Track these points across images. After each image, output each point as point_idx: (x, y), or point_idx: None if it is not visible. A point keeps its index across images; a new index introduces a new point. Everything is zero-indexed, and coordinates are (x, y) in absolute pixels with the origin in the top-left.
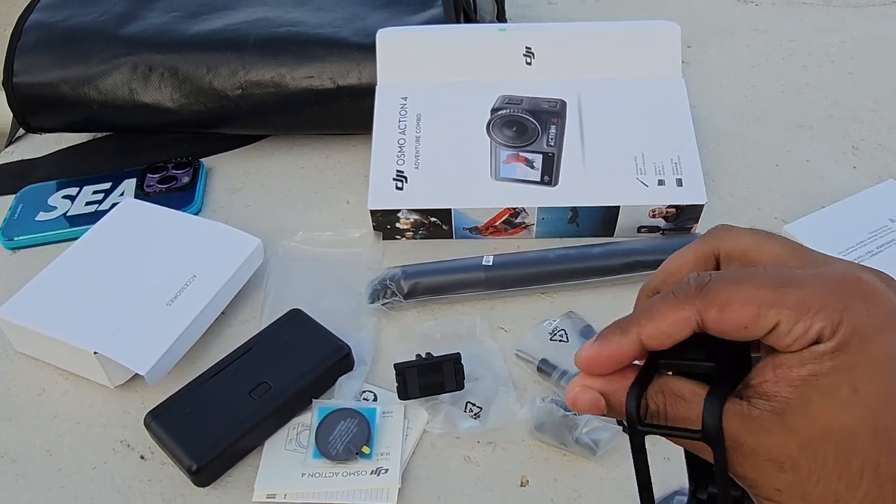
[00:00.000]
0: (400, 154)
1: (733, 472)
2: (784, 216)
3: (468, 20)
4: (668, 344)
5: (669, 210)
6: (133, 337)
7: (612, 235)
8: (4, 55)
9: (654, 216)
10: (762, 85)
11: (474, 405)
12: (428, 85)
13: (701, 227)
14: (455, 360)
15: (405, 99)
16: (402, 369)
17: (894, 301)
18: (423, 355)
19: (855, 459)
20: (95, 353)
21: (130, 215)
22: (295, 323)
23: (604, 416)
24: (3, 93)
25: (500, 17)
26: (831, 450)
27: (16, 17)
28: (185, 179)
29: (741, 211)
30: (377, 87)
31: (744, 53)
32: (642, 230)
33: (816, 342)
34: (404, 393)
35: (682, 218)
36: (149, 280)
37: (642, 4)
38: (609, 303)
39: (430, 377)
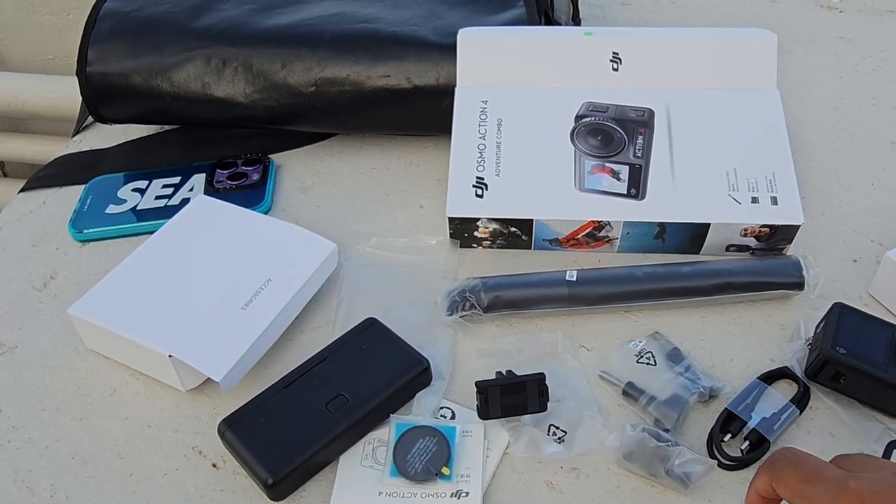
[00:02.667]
0: (480, 160)
1: None
2: (881, 239)
3: (548, 21)
4: (762, 491)
5: (763, 230)
6: (208, 341)
7: (698, 253)
8: (79, 44)
9: (745, 235)
10: (852, 97)
11: (558, 428)
12: (509, 88)
13: (794, 248)
14: (539, 380)
15: (485, 102)
16: (484, 388)
17: None
18: (504, 373)
19: None
20: (170, 356)
21: (203, 213)
22: (371, 333)
23: None
24: (72, 81)
25: (575, 18)
26: None
27: (90, 4)
28: (256, 177)
29: (835, 232)
30: (457, 90)
31: (831, 63)
32: (731, 249)
33: None
34: (485, 412)
35: (774, 238)
36: (223, 282)
37: (719, 7)
38: (696, 325)
39: (513, 397)
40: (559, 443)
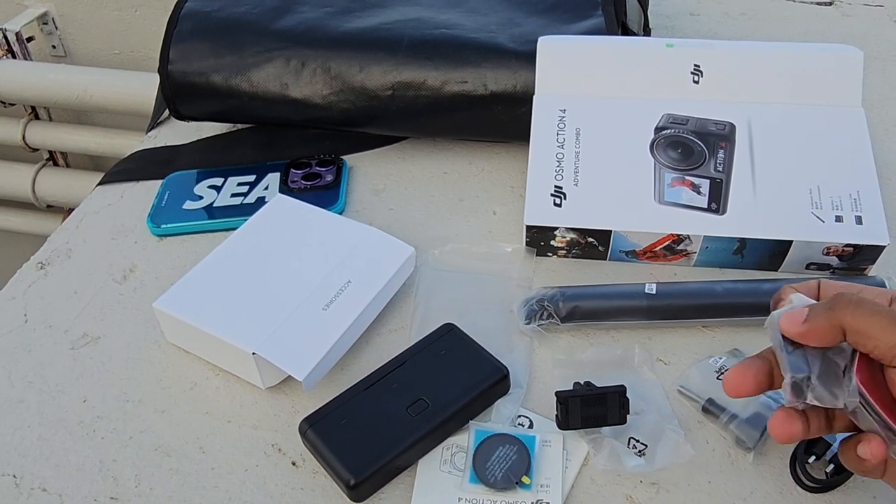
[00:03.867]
0: (558, 169)
1: None
2: None
3: (625, 31)
4: (821, 334)
5: (846, 249)
6: (290, 340)
7: (777, 270)
8: (161, 43)
9: (827, 254)
10: None
11: (639, 441)
12: (588, 98)
13: (876, 269)
14: (620, 392)
15: (564, 111)
16: (564, 398)
17: None
18: (583, 384)
19: None
20: (254, 353)
21: (282, 212)
22: (450, 338)
23: None
24: (137, 76)
25: (646, 28)
26: None
27: (158, 1)
28: (329, 178)
29: None
30: (535, 97)
31: None
32: (811, 267)
33: None
34: (565, 423)
35: (857, 258)
36: (304, 282)
37: (791, 21)
38: None
39: (594, 409)
40: (640, 456)
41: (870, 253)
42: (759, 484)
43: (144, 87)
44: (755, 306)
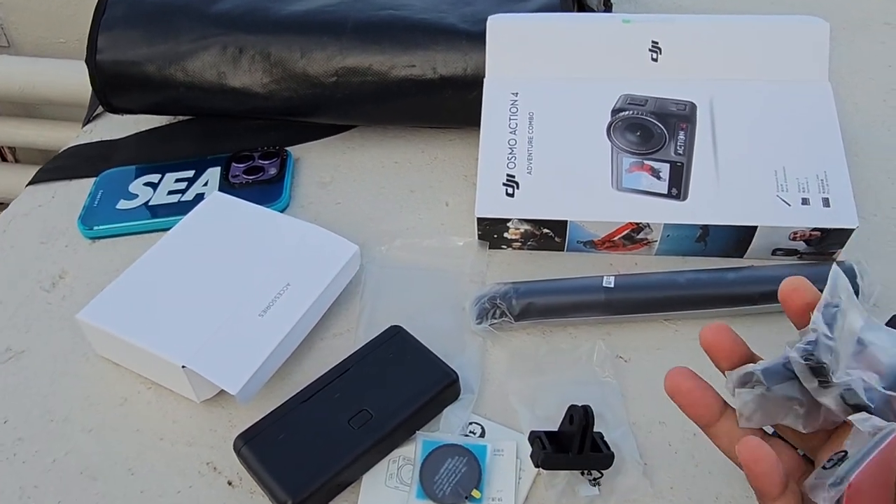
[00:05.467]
0: (511, 157)
1: None
2: None
3: (581, 8)
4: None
5: (813, 233)
6: (223, 351)
7: (742, 257)
8: (88, 31)
9: (794, 239)
10: None
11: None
12: (541, 79)
13: (845, 253)
14: (608, 458)
15: (516, 95)
16: (543, 461)
17: None
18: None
19: None
20: (183, 367)
21: (218, 211)
22: (396, 342)
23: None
24: (83, 68)
25: (607, 3)
26: None
27: None
28: (273, 171)
29: (889, 234)
30: (486, 81)
31: (879, 52)
32: (778, 253)
33: None
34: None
35: (826, 242)
36: (240, 286)
37: None
38: (741, 335)
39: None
40: (595, 485)
41: (838, 237)
42: (723, 488)
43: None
44: (720, 297)
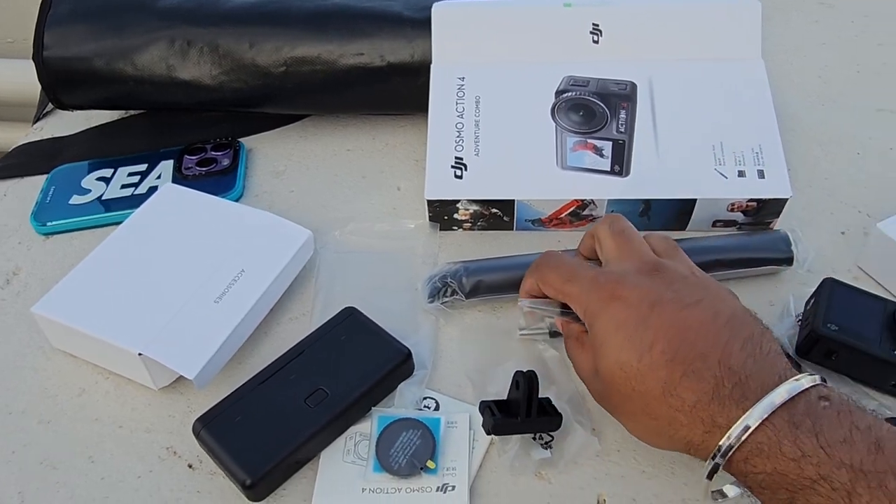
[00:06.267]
0: (458, 139)
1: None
2: (869, 210)
3: None
4: (528, 287)
5: (750, 204)
6: (180, 337)
7: (684, 230)
8: (34, 27)
9: (732, 210)
10: (836, 65)
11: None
12: (487, 64)
13: (781, 223)
14: (555, 423)
15: (462, 79)
16: (493, 427)
17: (634, 294)
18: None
19: (622, 387)
20: (140, 354)
21: (171, 202)
22: (350, 323)
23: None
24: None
25: None
26: (611, 384)
27: None
28: (226, 162)
29: (822, 204)
30: (432, 67)
31: (812, 30)
32: (718, 224)
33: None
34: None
35: (762, 212)
36: (194, 274)
37: None
38: None
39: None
40: (546, 448)
41: (774, 206)
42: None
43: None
44: None
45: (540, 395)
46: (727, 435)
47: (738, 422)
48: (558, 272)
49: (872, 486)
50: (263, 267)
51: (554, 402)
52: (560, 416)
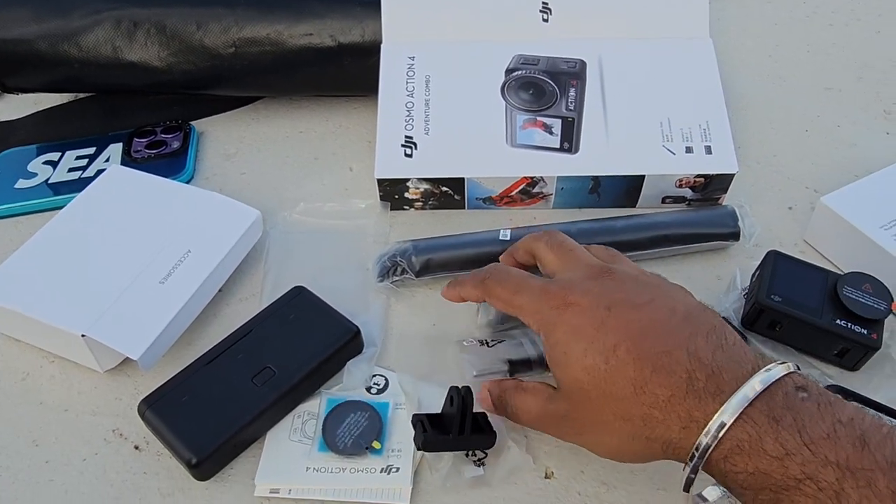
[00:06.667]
0: (408, 118)
1: (550, 433)
2: (816, 185)
3: None
4: (474, 299)
5: (698, 180)
6: (124, 318)
7: (634, 206)
8: None
9: (680, 186)
10: (786, 45)
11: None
12: (437, 44)
13: (730, 198)
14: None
15: (413, 59)
16: (424, 443)
17: (587, 299)
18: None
19: (591, 394)
20: (83, 336)
21: (117, 184)
22: (299, 302)
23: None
24: None
25: None
26: (578, 396)
27: None
28: (176, 144)
29: (770, 180)
30: (382, 46)
31: (765, 11)
32: (667, 201)
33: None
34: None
35: (710, 188)
36: (139, 256)
37: None
38: None
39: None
40: (479, 466)
41: (721, 182)
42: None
43: None
44: (611, 244)
45: (475, 411)
46: (704, 431)
47: (714, 417)
48: (506, 285)
49: (861, 485)
50: (210, 247)
51: (490, 419)
52: (494, 433)
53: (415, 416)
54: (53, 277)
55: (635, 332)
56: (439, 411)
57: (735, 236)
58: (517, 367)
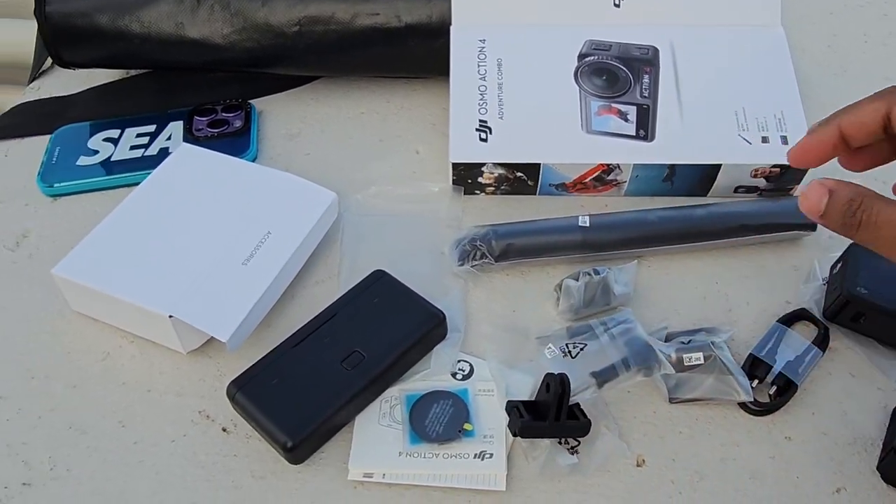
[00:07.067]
0: (482, 102)
1: None
2: (884, 177)
3: None
4: (862, 134)
5: (773, 170)
6: (210, 300)
7: (705, 195)
8: None
9: (755, 176)
10: (844, 34)
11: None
12: (507, 27)
13: (802, 188)
14: (584, 427)
15: (483, 41)
16: (521, 429)
17: None
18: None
19: None
20: (171, 317)
21: (189, 162)
22: (381, 286)
23: (819, 220)
24: (25, 22)
25: None
26: None
27: None
28: (238, 123)
29: (838, 171)
30: (452, 29)
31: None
32: (740, 190)
33: None
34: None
35: (784, 178)
36: (219, 236)
37: None
38: (710, 268)
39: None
40: (573, 453)
41: (796, 173)
42: (700, 449)
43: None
44: (689, 233)
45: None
46: None
47: None
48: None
49: None
50: (290, 229)
51: (582, 407)
52: (589, 421)
53: (510, 402)
54: (135, 257)
55: None
56: (528, 398)
57: (812, 227)
58: (604, 377)
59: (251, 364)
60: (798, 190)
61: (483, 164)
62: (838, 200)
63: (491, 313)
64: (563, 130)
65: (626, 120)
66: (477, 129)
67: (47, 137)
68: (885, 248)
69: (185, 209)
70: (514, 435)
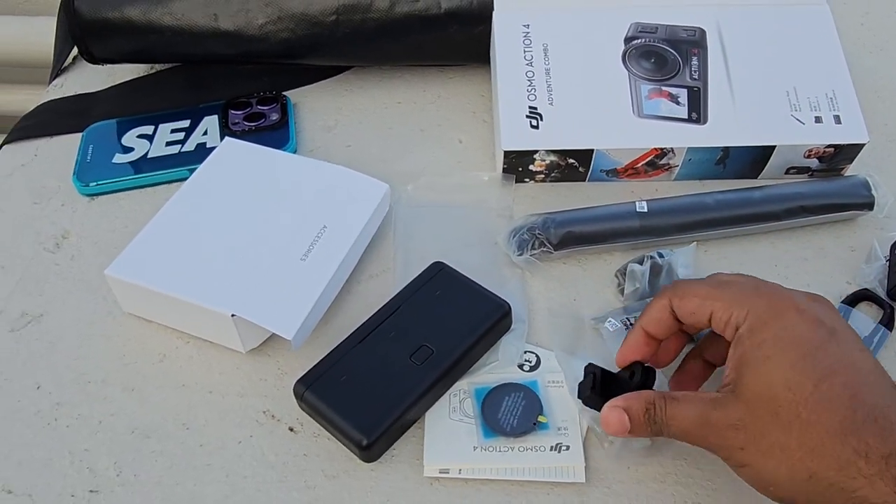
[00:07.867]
0: (530, 88)
1: (708, 445)
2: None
3: None
4: (661, 329)
5: (827, 150)
6: (271, 297)
7: (757, 177)
8: None
9: (808, 157)
10: (876, 12)
11: None
12: (551, 11)
13: (853, 168)
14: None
15: (527, 27)
16: (588, 398)
17: (813, 312)
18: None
19: (781, 411)
20: (233, 315)
21: (235, 157)
22: (442, 278)
23: (627, 434)
24: (34, 20)
25: None
26: (763, 407)
27: None
28: (275, 116)
29: (886, 150)
30: (494, 14)
31: None
32: (791, 171)
33: (738, 329)
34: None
35: (837, 158)
36: (274, 232)
37: None
38: (767, 251)
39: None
40: None
41: (849, 152)
42: None
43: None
44: (748, 216)
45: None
46: None
47: None
48: (704, 283)
49: None
50: (346, 222)
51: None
52: None
53: (590, 364)
54: (189, 255)
55: (855, 370)
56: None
57: (870, 206)
58: None
59: (315, 362)
60: (849, 171)
61: (535, 152)
62: (637, 414)
63: (552, 302)
64: (615, 115)
65: (678, 103)
66: (527, 116)
67: (77, 136)
68: (680, 436)
69: (235, 204)
70: (579, 397)
